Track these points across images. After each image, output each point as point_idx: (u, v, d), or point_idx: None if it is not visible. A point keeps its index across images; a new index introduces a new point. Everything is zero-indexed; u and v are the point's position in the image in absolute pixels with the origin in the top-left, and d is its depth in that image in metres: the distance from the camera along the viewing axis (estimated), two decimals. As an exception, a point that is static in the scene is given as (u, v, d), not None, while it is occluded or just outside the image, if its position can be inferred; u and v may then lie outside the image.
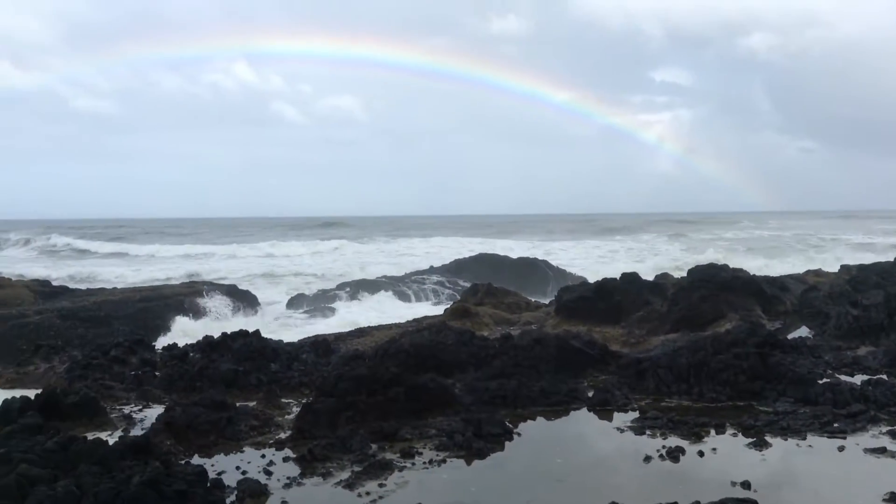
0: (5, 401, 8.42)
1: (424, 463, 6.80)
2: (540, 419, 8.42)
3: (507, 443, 7.44)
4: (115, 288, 29.77)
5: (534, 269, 36.59)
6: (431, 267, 41.76)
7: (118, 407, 9.54)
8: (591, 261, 50.92)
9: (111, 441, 6.64)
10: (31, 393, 9.28)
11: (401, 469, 6.64)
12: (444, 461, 6.87)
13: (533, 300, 19.92)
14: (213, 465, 6.73)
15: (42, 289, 26.41)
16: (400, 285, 34.31)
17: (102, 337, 18.98)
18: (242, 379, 10.36)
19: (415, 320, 18.79)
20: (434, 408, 8.34)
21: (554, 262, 39.52)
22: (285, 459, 6.99)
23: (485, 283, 19.80)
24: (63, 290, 27.17)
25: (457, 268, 38.97)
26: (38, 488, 4.66)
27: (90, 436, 6.99)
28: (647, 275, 17.65)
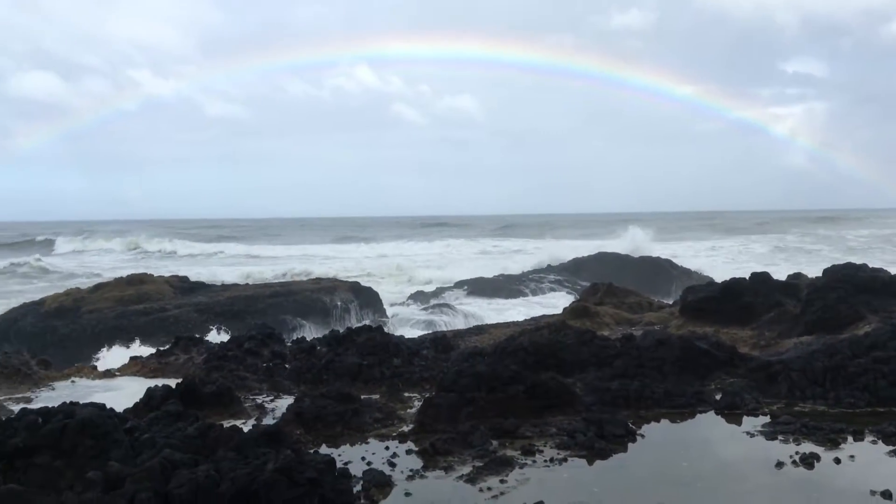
0: (149, 389, 9.02)
1: (545, 461, 6.77)
2: (664, 421, 8.21)
3: (629, 444, 7.30)
4: (246, 284, 31.17)
5: (657, 268, 35.69)
6: (549, 266, 41.48)
7: (251, 397, 10.00)
8: (717, 260, 49.19)
9: (245, 429, 6.97)
10: (172, 382, 9.89)
11: (521, 466, 6.64)
12: (565, 460, 6.82)
13: (656, 300, 19.43)
14: (339, 455, 6.94)
15: (181, 284, 28.02)
16: (517, 284, 34.27)
17: (236, 330, 19.95)
18: (366, 372, 10.64)
19: (533, 319, 18.74)
20: (554, 406, 8.28)
21: (677, 262, 38.34)
22: (408, 452, 7.13)
23: (605, 283, 19.49)
24: (199, 286, 28.74)
25: (575, 267, 38.55)
26: (181, 472, 4.95)
27: (226, 424, 7.37)
28: (779, 275, 16.85)
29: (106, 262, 67.51)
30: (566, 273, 37.11)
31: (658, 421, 8.19)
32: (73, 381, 11.77)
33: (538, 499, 5.71)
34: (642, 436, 7.56)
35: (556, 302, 30.55)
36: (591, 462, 6.83)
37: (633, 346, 10.62)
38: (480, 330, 16.61)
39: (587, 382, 9.39)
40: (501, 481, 6.25)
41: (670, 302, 19.52)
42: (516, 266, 42.48)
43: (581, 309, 16.58)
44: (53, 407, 6.40)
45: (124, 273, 31.20)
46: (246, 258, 66.63)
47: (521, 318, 20.28)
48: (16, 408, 9.24)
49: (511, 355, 10.47)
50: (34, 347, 20.39)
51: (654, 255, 40.17)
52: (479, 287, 33.80)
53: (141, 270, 31.82)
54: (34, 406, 7.98)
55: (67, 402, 7.11)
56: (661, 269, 35.49)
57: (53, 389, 11.18)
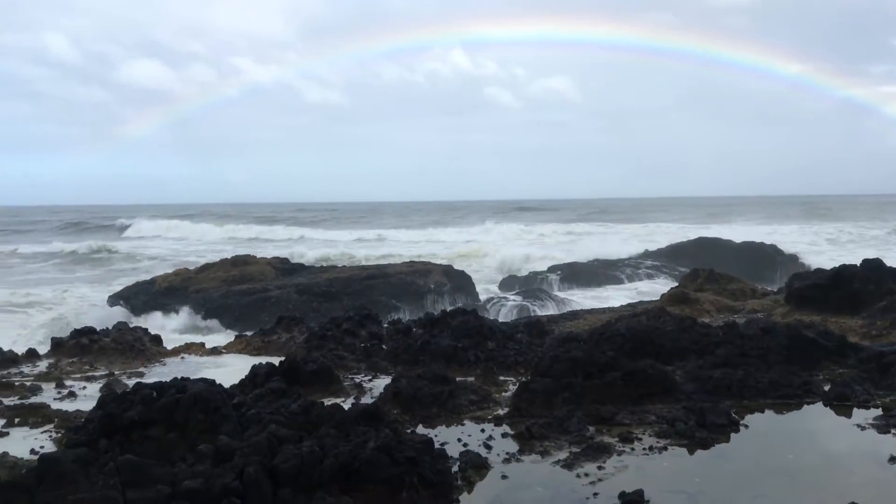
0: (254, 366, 9.35)
1: (644, 449, 6.67)
2: (769, 412, 7.94)
3: (732, 434, 7.10)
4: (343, 266, 31.85)
5: (760, 254, 34.47)
6: (646, 251, 40.66)
7: (349, 376, 10.23)
8: (824, 246, 47.06)
9: (345, 407, 7.14)
10: (275, 360, 10.22)
11: (620, 453, 6.56)
12: (664, 448, 6.70)
13: (759, 287, 18.76)
14: (436, 436, 7.02)
15: (282, 266, 28.88)
16: (613, 269, 33.74)
17: (334, 311, 20.45)
18: (461, 355, 10.72)
19: (629, 305, 18.43)
20: (653, 394, 8.13)
21: (782, 248, 36.89)
22: (504, 435, 7.15)
23: (706, 268, 18.95)
24: (299, 268, 29.56)
25: (673, 252, 37.65)
26: (286, 447, 5.12)
27: (326, 401, 7.58)
28: (893, 261, 15.97)
29: (209, 244, 70.34)
30: (664, 258, 36.27)
31: (762, 412, 7.93)
32: (182, 358, 12.33)
33: (637, 486, 5.63)
34: (746, 426, 7.34)
35: (653, 288, 29.95)
36: (691, 451, 6.68)
37: (736, 334, 10.31)
38: (575, 315, 16.45)
39: (687, 371, 9.17)
40: (599, 468, 6.20)
41: (774, 289, 18.82)
42: (612, 251, 41.79)
43: (680, 295, 16.18)
44: (166, 382, 6.72)
45: (228, 254, 32.36)
46: (341, 242, 68.03)
47: (616, 304, 19.98)
48: (130, 382, 9.77)
49: (607, 341, 10.32)
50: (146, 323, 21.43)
51: (758, 240, 38.72)
52: (574, 272, 33.43)
53: (244, 252, 32.96)
54: (147, 381, 8.39)
55: (178, 377, 7.47)
56: (764, 255, 34.25)
57: (164, 365, 11.74)
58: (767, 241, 38.08)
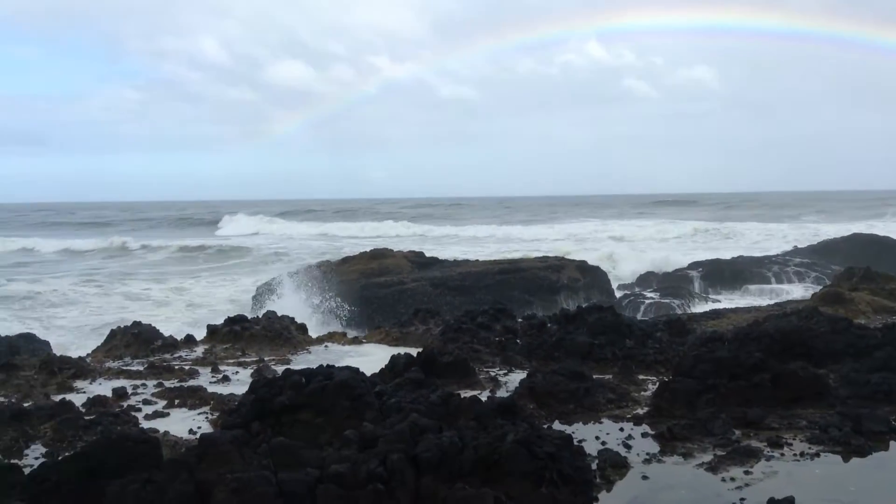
0: (393, 356, 9.60)
1: (795, 455, 6.35)
2: (935, 422, 7.36)
3: (892, 442, 6.64)
4: (476, 260, 32.09)
5: (922, 252, 31.93)
6: (795, 248, 38.65)
7: (485, 369, 10.31)
8: None
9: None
10: (413, 351, 10.46)
11: (768, 458, 6.28)
12: (817, 455, 6.35)
13: (923, 288, 17.37)
14: (573, 433, 6.97)
15: (417, 259, 29.46)
16: (759, 267, 32.20)
17: (467, 304, 20.66)
18: (597, 352, 10.57)
19: (777, 304, 17.59)
20: (804, 398, 7.72)
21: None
22: (644, 435, 7.00)
23: (861, 267, 17.77)
24: (434, 261, 30.05)
25: (825, 249, 35.53)
26: (427, 436, 5.23)
27: (463, 393, 7.68)
28: None
29: (349, 237, 72.74)
30: (815, 256, 34.25)
31: (927, 421, 7.36)
32: (325, 346, 12.83)
33: (787, 493, 5.37)
34: (908, 436, 6.85)
35: (802, 287, 28.40)
36: (846, 459, 6.30)
37: (896, 337, 9.61)
38: (718, 314, 15.83)
39: (842, 374, 8.64)
40: (746, 472, 5.96)
41: (941, 290, 17.37)
42: (757, 247, 39.91)
43: (833, 294, 15.25)
44: (314, 369, 7.03)
45: (366, 248, 33.31)
46: (475, 238, 68.54)
47: (763, 304, 19.09)
48: (278, 368, 10.27)
49: (754, 342, 9.88)
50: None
51: (921, 237, 35.86)
52: (716, 269, 32.14)
53: (381, 245, 33.85)
54: (294, 367, 8.79)
55: (324, 364, 7.78)
56: (929, 254, 31.69)
57: (309, 353, 12.26)
58: (932, 239, 35.19)
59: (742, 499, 5.49)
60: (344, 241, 65.67)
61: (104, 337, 13.80)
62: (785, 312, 12.61)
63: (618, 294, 28.77)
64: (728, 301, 26.44)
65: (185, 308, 32.71)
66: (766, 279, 30.46)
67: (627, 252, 44.05)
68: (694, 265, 33.46)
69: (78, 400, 8.76)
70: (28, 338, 24.15)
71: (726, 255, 36.84)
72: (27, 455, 7.00)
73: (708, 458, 6.29)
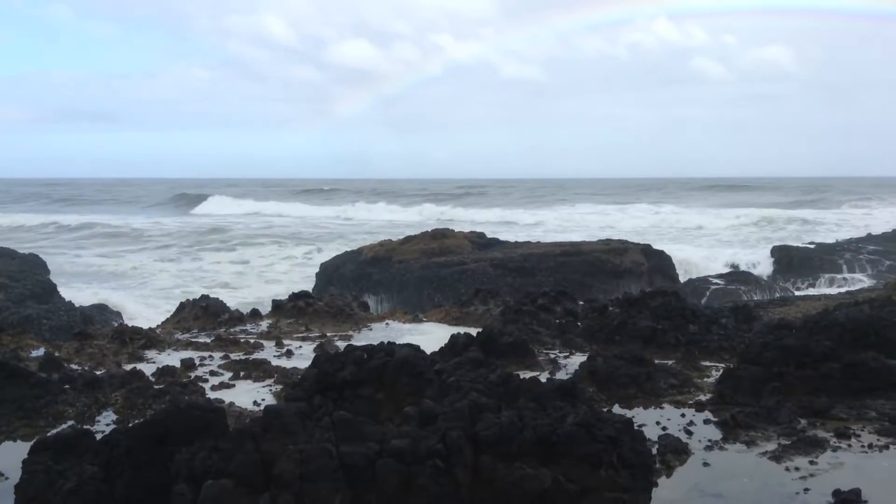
0: (453, 335, 9.66)
1: (863, 446, 6.18)
2: None
3: (969, 439, 6.40)
4: (538, 242, 31.93)
5: None
6: (869, 235, 37.35)
7: (544, 351, 10.28)
8: None
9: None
10: (473, 331, 10.49)
11: (834, 449, 6.12)
12: (886, 447, 6.17)
13: None
14: (633, 417, 6.90)
15: (478, 240, 29.48)
16: (830, 254, 31.22)
17: (527, 286, 20.60)
18: (660, 337, 10.43)
19: (848, 293, 17.07)
20: (875, 389, 7.49)
21: None
22: (706, 422, 6.90)
23: (941, 256, 17.09)
24: (494, 242, 30.02)
25: (902, 237, 34.26)
26: (486, 415, 5.25)
27: (521, 374, 7.67)
28: None
29: (409, 218, 73.20)
30: (889, 243, 33.05)
31: None
32: (387, 324, 12.97)
33: (854, 485, 5.24)
34: None
35: (875, 276, 27.44)
36: (918, 453, 6.11)
37: (977, 330, 9.21)
38: (786, 301, 15.46)
39: (916, 367, 8.33)
40: (811, 463, 5.82)
41: None
42: (829, 234, 38.70)
43: (909, 284, 14.70)
44: (375, 345, 7.11)
45: (427, 228, 33.47)
46: (538, 223, 68.14)
47: (833, 291, 18.55)
48: (340, 344, 10.43)
49: (824, 330, 9.59)
50: (353, 291, 22.78)
51: None
52: (785, 256, 31.29)
53: (442, 226, 33.97)
54: (356, 343, 8.91)
55: (385, 341, 7.87)
56: None
57: (371, 330, 12.41)
58: None
59: (806, 489, 5.38)
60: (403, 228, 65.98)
61: (174, 309, 14.25)
62: (856, 301, 12.22)
63: (682, 279, 28.27)
64: (797, 289, 25.75)
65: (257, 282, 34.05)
66: (838, 267, 29.51)
67: (695, 234, 43.18)
68: (762, 251, 32.66)
69: (148, 369, 9.07)
70: (101, 308, 25.15)
71: (796, 240, 35.82)
72: (99, 421, 7.29)
73: (772, 446, 6.17)
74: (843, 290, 19.82)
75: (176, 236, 54.44)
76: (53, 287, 25.10)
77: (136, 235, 56.19)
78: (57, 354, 9.80)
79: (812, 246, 33.33)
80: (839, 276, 28.36)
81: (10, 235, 56.35)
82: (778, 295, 20.22)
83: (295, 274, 37.40)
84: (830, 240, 36.54)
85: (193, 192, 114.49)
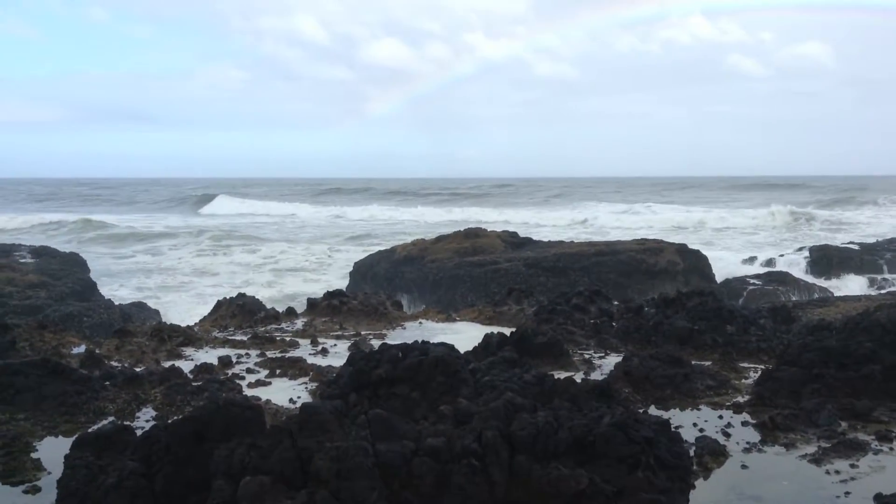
0: (486, 335, 9.64)
1: (904, 450, 6.06)
2: None
3: None
4: (571, 241, 31.76)
5: None
6: (911, 234, 36.58)
7: (579, 351, 10.23)
8: None
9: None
10: (506, 330, 10.47)
11: (876, 452, 6.01)
12: (929, 452, 6.04)
13: None
14: (670, 419, 6.84)
15: (511, 239, 29.41)
16: (871, 254, 30.63)
17: (561, 286, 20.52)
18: (697, 338, 10.31)
19: (889, 293, 16.73)
20: (918, 392, 7.34)
21: None
22: (744, 424, 6.82)
23: None
24: (527, 242, 29.92)
25: (945, 237, 33.52)
26: (522, 415, 5.24)
27: (556, 374, 7.65)
28: None
29: (436, 217, 73.36)
30: (932, 244, 32.32)
31: None
32: (420, 323, 13.00)
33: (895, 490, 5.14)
34: None
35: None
36: (962, 458, 5.97)
37: None
38: (826, 302, 15.20)
39: (961, 369, 8.15)
40: (852, 466, 5.73)
41: None
42: (870, 234, 37.96)
43: (953, 285, 14.37)
44: (410, 344, 7.14)
45: (459, 228, 33.49)
46: (569, 225, 67.80)
47: (874, 292, 18.19)
48: (375, 343, 10.49)
49: (865, 331, 9.40)
50: (386, 290, 22.88)
51: None
52: (824, 256, 30.75)
53: (473, 225, 33.95)
54: (390, 342, 8.95)
55: (419, 340, 7.89)
56: None
57: (404, 329, 12.45)
58: None
59: (847, 493, 5.29)
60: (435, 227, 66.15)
61: (210, 307, 14.44)
62: (899, 302, 11.99)
63: (719, 279, 27.92)
64: (837, 289, 25.30)
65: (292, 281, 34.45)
66: (878, 267, 28.94)
67: (730, 235, 42.64)
68: (801, 250, 32.15)
69: (186, 366, 9.21)
70: (140, 306, 25.57)
71: (836, 241, 35.19)
72: (139, 417, 7.41)
73: (812, 449, 6.08)
74: (884, 290, 19.43)
75: (209, 235, 55.16)
76: (94, 285, 25.59)
77: (171, 234, 57.07)
78: (97, 351, 9.99)
79: (852, 246, 32.73)
80: (880, 276, 27.81)
81: (51, 233, 57.64)
82: (816, 295, 19.88)
83: (330, 273, 37.68)
84: (870, 239, 35.83)
85: (227, 192, 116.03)
